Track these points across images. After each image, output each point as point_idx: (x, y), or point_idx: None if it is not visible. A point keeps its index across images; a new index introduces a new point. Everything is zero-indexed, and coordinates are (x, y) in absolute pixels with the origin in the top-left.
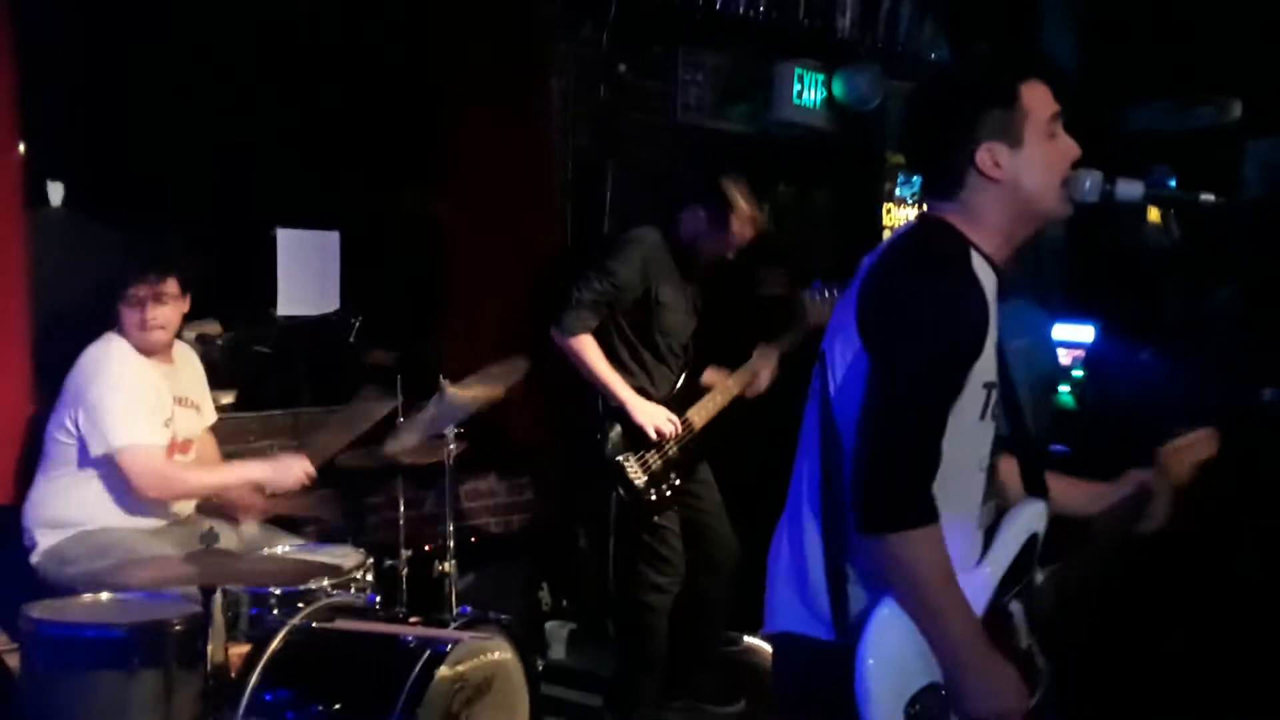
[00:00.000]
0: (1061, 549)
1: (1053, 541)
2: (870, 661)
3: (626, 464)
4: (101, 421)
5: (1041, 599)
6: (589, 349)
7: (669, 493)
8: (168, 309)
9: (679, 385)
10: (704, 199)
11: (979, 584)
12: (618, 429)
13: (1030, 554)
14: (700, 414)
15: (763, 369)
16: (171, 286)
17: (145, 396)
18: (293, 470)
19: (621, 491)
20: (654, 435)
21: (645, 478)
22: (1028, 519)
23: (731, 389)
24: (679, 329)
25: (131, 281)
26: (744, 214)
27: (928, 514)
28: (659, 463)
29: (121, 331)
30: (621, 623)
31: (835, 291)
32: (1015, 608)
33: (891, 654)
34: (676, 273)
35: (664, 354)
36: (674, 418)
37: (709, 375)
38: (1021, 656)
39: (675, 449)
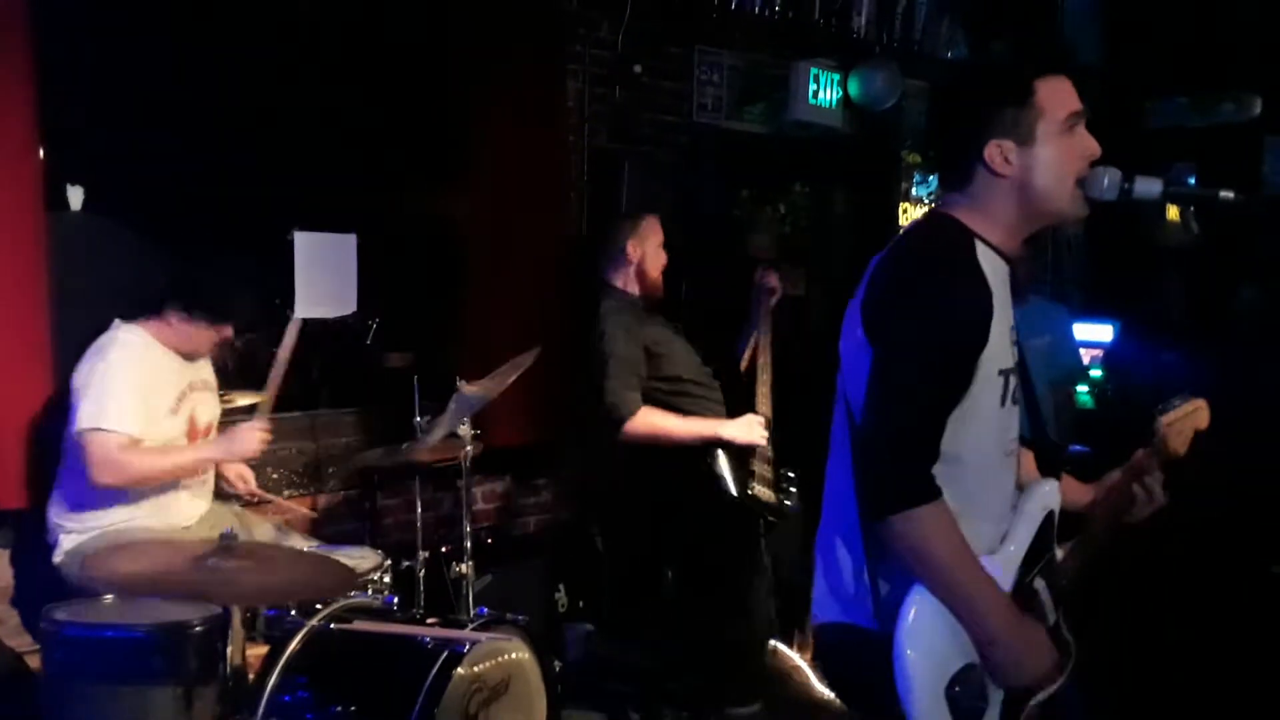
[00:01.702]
0: (1069, 531)
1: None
2: (909, 651)
3: (757, 492)
4: (78, 404)
5: (1061, 576)
6: (654, 417)
7: (790, 488)
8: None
9: (728, 399)
10: (620, 239)
11: (1005, 563)
12: (721, 463)
13: (1049, 531)
14: (764, 404)
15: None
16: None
17: (135, 384)
18: (244, 438)
19: (771, 518)
20: (759, 440)
21: (771, 491)
22: (1043, 497)
23: (767, 364)
24: (687, 356)
25: (231, 322)
26: (645, 216)
27: (928, 492)
28: (768, 469)
29: (149, 326)
30: (671, 628)
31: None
32: (1040, 585)
33: (927, 641)
34: (644, 316)
35: (696, 379)
36: (758, 418)
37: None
38: (1050, 633)
39: (769, 446)
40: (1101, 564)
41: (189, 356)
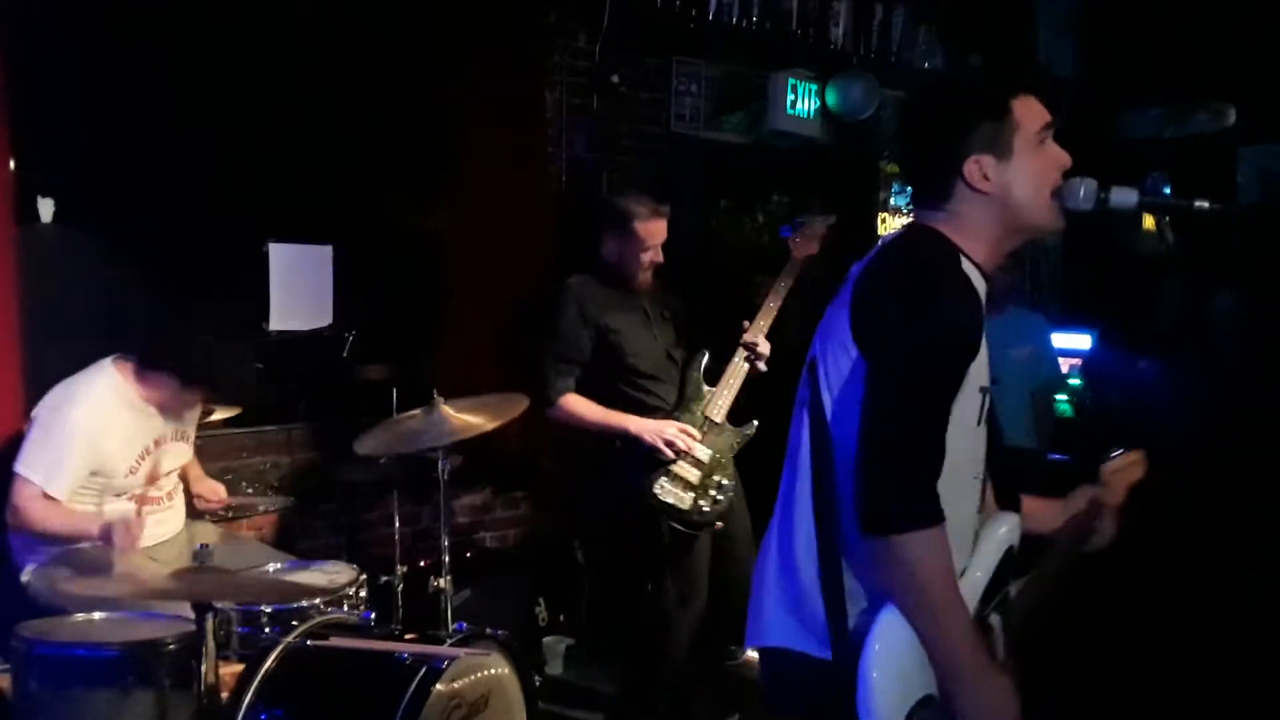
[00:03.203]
0: (1025, 564)
1: (1020, 557)
2: (874, 675)
3: (662, 493)
4: (29, 435)
5: (1014, 613)
6: (577, 404)
7: (719, 496)
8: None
9: (679, 395)
10: (607, 224)
11: (969, 591)
12: (641, 458)
13: (1007, 567)
14: (716, 406)
15: (758, 333)
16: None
17: (89, 447)
18: (123, 533)
19: (673, 524)
20: (667, 451)
21: (690, 495)
22: (1004, 531)
23: (740, 368)
24: (650, 346)
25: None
26: (641, 214)
27: (934, 514)
28: (695, 471)
29: (133, 374)
30: (639, 639)
31: (813, 221)
32: (995, 621)
33: (893, 667)
34: (618, 296)
35: (651, 374)
36: (682, 425)
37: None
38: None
39: (705, 450)
40: (1058, 597)
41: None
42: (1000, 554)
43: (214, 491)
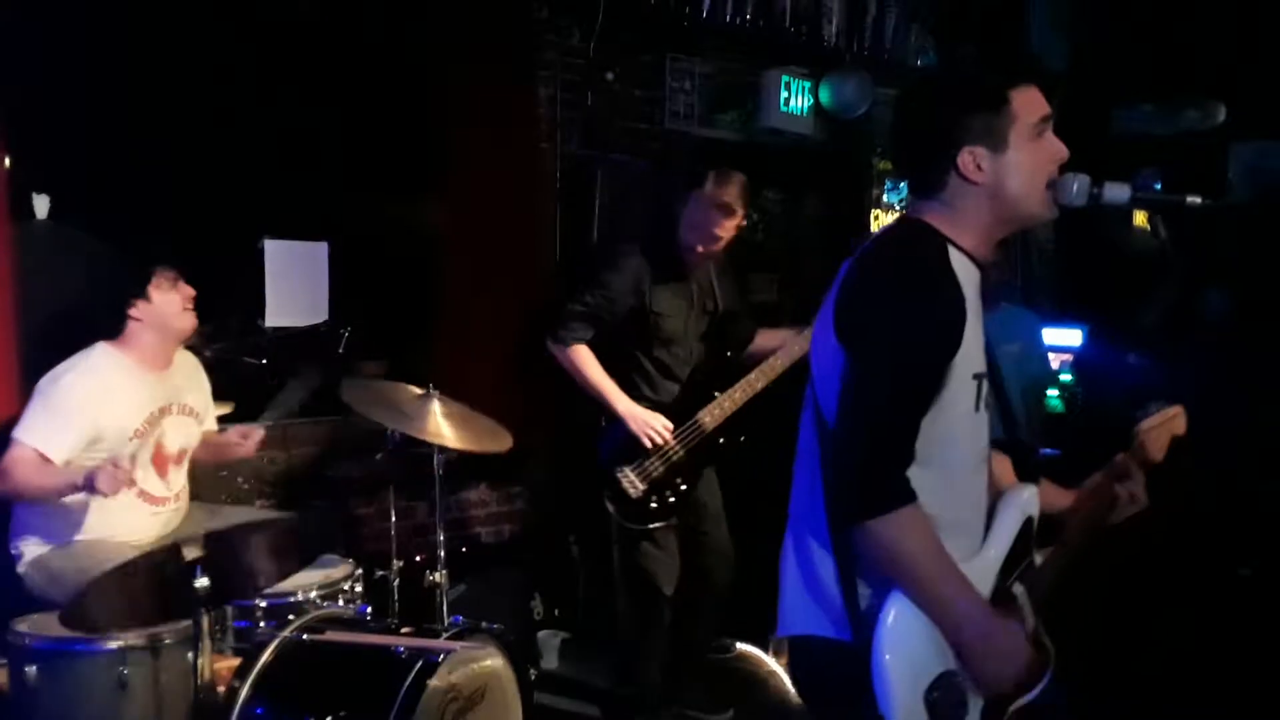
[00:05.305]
0: (1048, 535)
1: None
2: (886, 657)
3: (622, 475)
4: (24, 413)
5: (1040, 582)
6: (585, 359)
7: (673, 499)
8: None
9: (683, 388)
10: (681, 196)
11: (983, 569)
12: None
13: (1028, 537)
14: (713, 413)
15: (790, 349)
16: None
17: (84, 410)
18: (104, 478)
19: (610, 506)
20: (646, 443)
21: (644, 486)
22: (1022, 503)
23: (754, 384)
24: (681, 334)
25: (158, 266)
26: (712, 199)
27: (903, 495)
28: (661, 469)
29: (121, 340)
30: (621, 628)
31: None
32: (1019, 590)
33: (905, 647)
34: (672, 276)
35: (668, 363)
36: (668, 424)
37: (761, 338)
38: (1030, 638)
39: (681, 452)
40: (1077, 569)
41: (168, 363)
42: (1019, 526)
43: (244, 436)
